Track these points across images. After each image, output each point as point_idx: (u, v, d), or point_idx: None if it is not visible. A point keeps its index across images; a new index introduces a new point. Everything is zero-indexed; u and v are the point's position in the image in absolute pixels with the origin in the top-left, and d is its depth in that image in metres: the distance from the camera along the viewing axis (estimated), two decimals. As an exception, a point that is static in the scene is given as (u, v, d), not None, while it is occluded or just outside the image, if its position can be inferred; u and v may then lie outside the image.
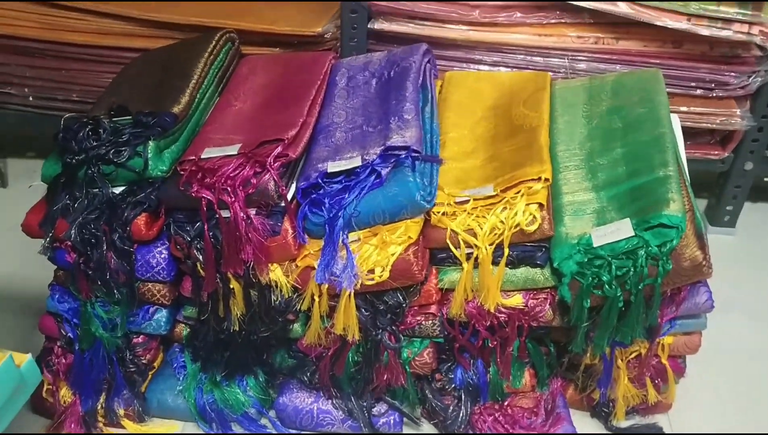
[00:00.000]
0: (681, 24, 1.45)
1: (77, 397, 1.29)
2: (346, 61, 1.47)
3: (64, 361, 1.29)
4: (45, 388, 1.30)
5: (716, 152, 1.68)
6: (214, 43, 1.41)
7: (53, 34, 1.67)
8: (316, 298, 1.16)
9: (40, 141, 2.02)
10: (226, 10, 1.65)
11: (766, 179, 1.76)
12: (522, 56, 1.58)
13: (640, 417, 1.34)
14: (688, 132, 1.65)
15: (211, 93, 1.37)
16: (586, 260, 1.10)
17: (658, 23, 1.45)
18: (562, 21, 1.53)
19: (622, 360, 1.24)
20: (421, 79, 1.35)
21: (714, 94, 1.57)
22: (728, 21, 1.44)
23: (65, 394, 1.30)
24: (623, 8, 1.45)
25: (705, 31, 1.45)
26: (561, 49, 1.56)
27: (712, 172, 1.76)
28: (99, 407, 1.29)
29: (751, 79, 1.54)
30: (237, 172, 1.13)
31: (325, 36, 1.60)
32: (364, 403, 1.28)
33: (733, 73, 1.54)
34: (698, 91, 1.58)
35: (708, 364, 1.41)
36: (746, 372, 1.46)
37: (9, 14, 1.67)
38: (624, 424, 1.32)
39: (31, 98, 1.76)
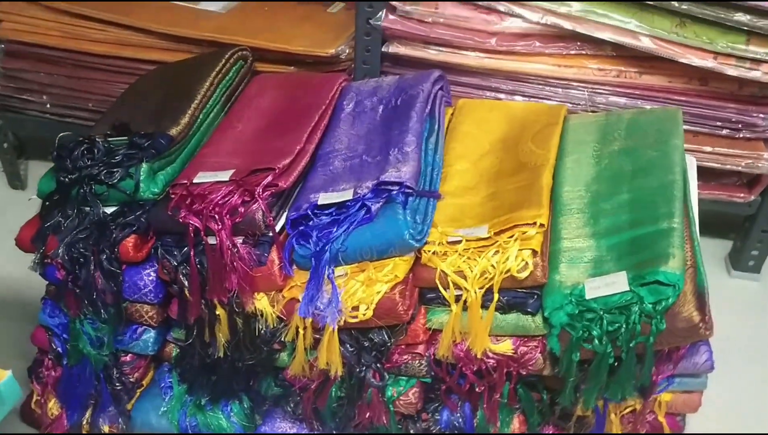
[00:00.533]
0: (707, 62, 1.38)
1: (64, 410, 1.30)
2: (356, 84, 1.44)
3: (53, 373, 1.30)
4: (34, 399, 1.32)
5: (742, 195, 1.60)
6: (223, 61, 1.40)
7: (74, 44, 1.69)
8: (301, 331, 1.13)
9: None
10: (243, 26, 1.64)
11: (795, 224, 1.67)
12: (540, 86, 1.54)
13: (636, 473, 1.28)
14: (712, 172, 1.58)
15: (216, 112, 1.37)
16: (577, 312, 1.05)
17: (683, 60, 1.38)
18: (583, 52, 1.47)
19: (615, 414, 1.18)
20: (429, 107, 1.32)
21: (741, 136, 1.50)
22: (758, 61, 1.37)
23: (53, 406, 1.31)
24: (646, 43, 1.39)
25: (732, 71, 1.38)
26: (581, 81, 1.51)
27: (738, 214, 1.68)
28: (84, 422, 1.30)
29: (780, 122, 1.47)
30: (225, 199, 1.12)
31: (340, 57, 1.58)
32: (347, 438, 1.26)
33: (762, 115, 1.47)
34: (724, 132, 1.51)
35: (718, 417, 1.34)
36: (761, 425, 1.39)
37: (31, 22, 1.69)
38: (619, 479, 1.27)
39: (49, 105, 1.78)
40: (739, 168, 1.52)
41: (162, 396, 1.31)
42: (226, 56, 1.42)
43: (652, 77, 1.49)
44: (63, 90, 1.75)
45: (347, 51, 1.59)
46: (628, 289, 1.03)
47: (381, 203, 1.12)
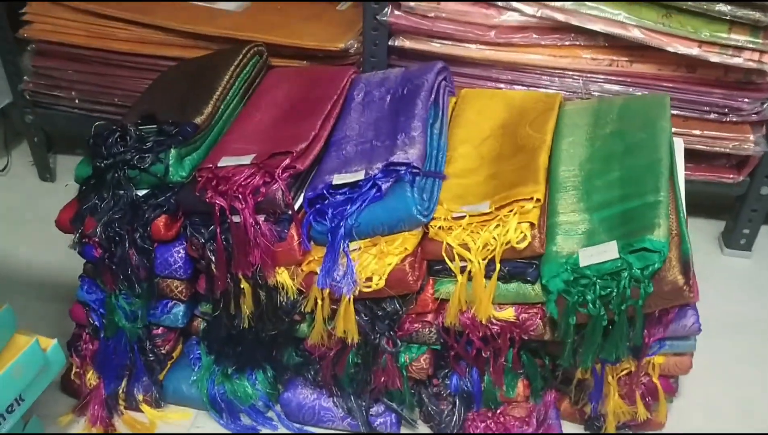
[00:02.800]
0: (692, 50, 1.47)
1: (101, 380, 1.39)
2: (365, 76, 1.54)
3: (91, 347, 1.39)
4: (74, 371, 1.41)
5: (731, 176, 1.69)
6: (241, 56, 1.50)
7: (99, 42, 1.79)
8: (319, 302, 1.23)
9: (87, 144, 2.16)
10: (258, 24, 1.74)
11: (783, 203, 1.76)
12: (537, 75, 1.63)
13: (632, 433, 1.37)
14: (702, 155, 1.66)
15: (235, 104, 1.46)
16: (572, 279, 1.14)
17: (670, 49, 1.47)
18: (577, 43, 1.56)
19: (612, 376, 1.27)
20: (433, 96, 1.41)
21: (728, 119, 1.59)
22: (739, 48, 1.46)
23: (91, 377, 1.40)
24: (635, 33, 1.48)
25: (716, 58, 1.47)
26: (576, 70, 1.60)
27: (730, 195, 1.77)
28: (120, 391, 1.40)
29: (765, 106, 1.56)
30: (248, 181, 1.22)
31: (350, 51, 1.68)
32: (363, 403, 1.35)
33: (746, 99, 1.56)
34: (712, 116, 1.60)
35: (712, 385, 1.43)
36: (750, 395, 1.47)
37: (59, 23, 1.79)
38: (615, 439, 1.36)
39: (77, 101, 1.88)
40: (727, 150, 1.60)
41: (191, 367, 1.41)
42: (243, 51, 1.51)
43: (643, 65, 1.58)
44: (90, 86, 1.84)
45: (356, 45, 1.69)
46: (618, 256, 1.12)
47: (390, 182, 1.22)
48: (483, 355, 1.28)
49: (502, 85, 1.65)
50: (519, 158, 1.31)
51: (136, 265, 1.27)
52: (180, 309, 1.35)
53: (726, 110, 1.58)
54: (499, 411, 1.35)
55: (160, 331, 1.39)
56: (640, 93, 1.57)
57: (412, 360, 1.30)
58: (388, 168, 1.23)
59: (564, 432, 1.35)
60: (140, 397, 1.40)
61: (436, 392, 1.35)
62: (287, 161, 1.23)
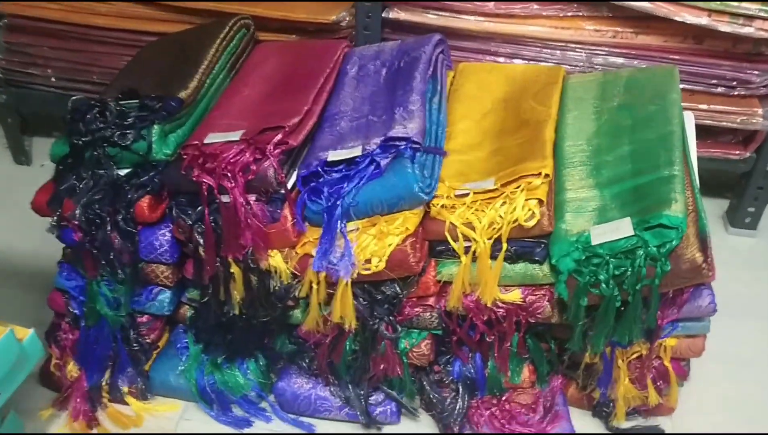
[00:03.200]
0: (701, 20, 1.41)
1: (83, 372, 1.32)
2: (358, 50, 1.47)
3: (71, 336, 1.32)
4: (53, 362, 1.34)
5: (737, 152, 1.64)
6: (227, 29, 1.42)
7: (77, 17, 1.70)
8: (314, 286, 1.16)
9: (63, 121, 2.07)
10: (245, -4, 1.66)
11: (790, 181, 1.71)
12: (538, 49, 1.56)
13: (642, 418, 1.32)
14: (709, 130, 1.61)
15: (222, 79, 1.39)
16: (584, 258, 1.08)
17: (678, 18, 1.41)
18: (580, 14, 1.50)
19: (622, 360, 1.22)
20: (431, 69, 1.34)
21: (735, 93, 1.54)
22: (750, 18, 1.40)
23: (72, 368, 1.33)
24: (642, 2, 1.42)
25: (726, 28, 1.41)
26: (578, 43, 1.54)
27: (734, 173, 1.72)
28: (104, 383, 1.32)
29: (774, 78, 1.50)
30: (237, 157, 1.14)
31: (341, 24, 1.60)
32: (362, 392, 1.29)
33: (756, 72, 1.50)
34: (719, 89, 1.54)
35: (718, 367, 1.38)
36: (758, 377, 1.43)
37: (35, -5, 1.71)
38: (625, 425, 1.30)
39: (53, 79, 1.79)
40: (734, 125, 1.55)
41: (179, 356, 1.34)
42: (230, 24, 1.44)
43: (648, 37, 1.52)
44: (67, 63, 1.76)
45: (348, 18, 1.61)
46: (632, 233, 1.06)
47: (389, 158, 1.15)
48: (487, 339, 1.22)
49: (501, 59, 1.58)
50: (523, 133, 1.24)
51: (119, 249, 1.19)
52: (166, 295, 1.28)
53: (734, 83, 1.52)
54: (504, 398, 1.29)
55: (144, 319, 1.32)
56: (646, 66, 1.51)
57: (412, 346, 1.24)
58: (386, 143, 1.16)
59: (571, 418, 1.28)
60: (125, 389, 1.33)
61: (438, 379, 1.30)
62: (279, 136, 1.15)
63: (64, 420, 1.31)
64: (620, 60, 1.53)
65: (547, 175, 1.11)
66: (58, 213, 1.20)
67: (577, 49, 1.54)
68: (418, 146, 1.16)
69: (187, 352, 1.34)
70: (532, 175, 1.12)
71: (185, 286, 1.30)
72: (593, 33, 1.52)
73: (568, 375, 1.31)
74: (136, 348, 1.32)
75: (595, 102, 1.33)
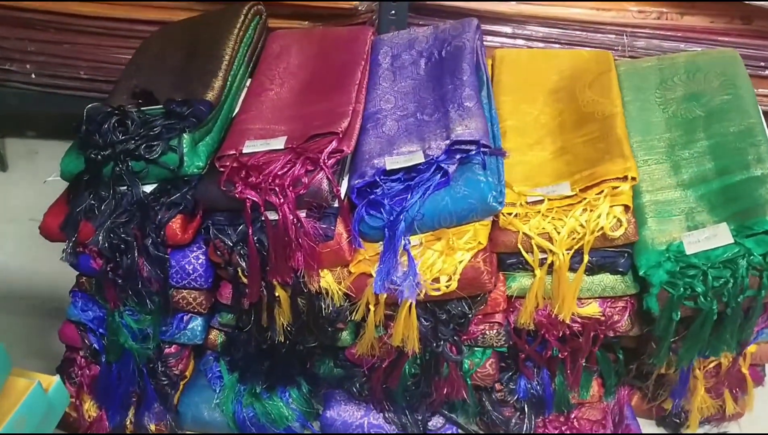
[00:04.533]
0: (762, -2, 1.33)
1: (103, 411, 1.19)
2: (387, 37, 1.34)
3: (88, 372, 1.21)
4: (67, 402, 1.19)
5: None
6: (242, 17, 1.28)
7: (57, 5, 1.55)
8: (372, 308, 1.05)
9: (42, 120, 1.88)
10: (251, -21, 1.50)
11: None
12: (577, 32, 1.46)
13: (710, 426, 1.25)
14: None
15: (242, 74, 1.25)
16: (677, 269, 1.00)
17: (735, -5, 1.33)
18: (624, -7, 1.40)
19: (699, 370, 1.15)
20: (475, 59, 1.22)
21: (786, 76, 1.47)
22: (811, -5, 1.33)
23: (90, 408, 1.21)
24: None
25: (786, 6, 1.33)
26: (620, 25, 1.45)
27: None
28: (128, 422, 1.20)
29: (827, 60, 1.44)
30: (286, 170, 1.01)
31: (360, 8, 1.47)
32: (420, 417, 1.19)
33: (808, 53, 1.44)
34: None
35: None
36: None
37: (8, -18, 1.52)
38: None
39: (33, 75, 1.63)
40: (786, 110, 1.48)
41: (212, 387, 1.22)
42: (244, 11, 1.29)
43: (694, 18, 1.44)
44: (49, 57, 1.61)
45: (367, 3, 1.47)
46: (732, 241, 0.98)
47: (456, 164, 1.03)
48: (560, 356, 1.13)
49: (536, 44, 1.47)
50: (590, 128, 1.14)
51: (148, 277, 1.05)
52: (198, 323, 1.17)
53: (785, 66, 1.45)
54: (572, 415, 1.21)
55: (173, 349, 1.20)
56: (691, 49, 1.42)
57: (477, 366, 1.14)
58: (452, 147, 1.04)
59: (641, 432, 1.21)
60: (152, 427, 1.22)
61: (501, 398, 1.20)
62: (334, 144, 1.02)
63: (84, 465, 1.18)
64: (665, 43, 1.45)
65: (633, 178, 1.01)
66: (74, 238, 1.04)
67: (617, 32, 1.44)
68: (486, 149, 1.04)
69: (220, 382, 1.22)
70: (616, 178, 1.02)
71: (216, 309, 1.17)
72: (636, 14, 1.43)
73: (634, 385, 1.23)
74: (164, 381, 1.19)
75: (657, 91, 1.23)
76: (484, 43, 1.44)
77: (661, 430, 1.26)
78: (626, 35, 1.43)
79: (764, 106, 1.45)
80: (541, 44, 1.46)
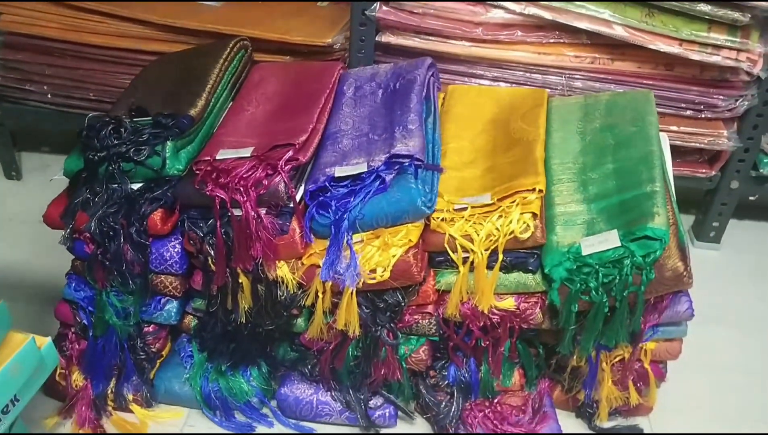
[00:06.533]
0: (673, 48, 1.52)
1: (88, 381, 1.35)
2: (354, 71, 1.54)
3: (77, 346, 1.36)
4: (58, 372, 1.36)
5: (704, 170, 1.75)
6: (228, 50, 1.48)
7: (74, 35, 1.74)
8: (320, 295, 1.22)
9: (54, 136, 2.09)
10: (241, 19, 1.72)
11: (751, 198, 1.83)
12: (521, 72, 1.66)
13: (622, 418, 1.41)
14: (677, 150, 1.72)
15: (224, 97, 1.44)
16: (575, 267, 1.17)
17: (651, 47, 1.52)
18: (561, 41, 1.60)
19: (606, 363, 1.30)
20: (425, 91, 1.42)
21: (703, 116, 1.65)
22: (718, 47, 1.52)
23: (77, 378, 1.35)
24: (619, 31, 1.53)
25: (696, 56, 1.52)
26: (559, 68, 1.64)
27: (700, 190, 1.84)
28: (109, 392, 1.36)
29: (738, 103, 1.62)
30: (250, 173, 1.20)
31: (335, 46, 1.68)
32: (361, 396, 1.35)
33: (721, 97, 1.62)
34: (688, 112, 1.66)
35: (689, 371, 1.47)
36: (724, 379, 1.53)
37: (32, 14, 1.74)
38: (606, 424, 1.39)
39: (49, 96, 1.82)
40: (702, 145, 1.67)
41: (183, 364, 1.38)
42: (230, 45, 1.49)
43: (624, 63, 1.62)
44: (64, 80, 1.79)
45: (341, 41, 1.69)
46: (620, 244, 1.15)
47: (394, 174, 1.22)
48: (482, 345, 1.30)
49: (486, 82, 1.67)
50: (515, 151, 1.33)
51: (131, 261, 1.24)
52: (173, 305, 1.33)
53: (701, 107, 1.64)
54: (496, 400, 1.36)
55: (151, 328, 1.36)
56: (621, 90, 1.61)
57: (411, 351, 1.30)
58: (391, 160, 1.23)
59: (558, 419, 1.37)
60: (130, 396, 1.37)
61: (434, 383, 1.36)
62: (290, 153, 1.22)
63: (69, 428, 1.34)
64: (598, 84, 1.63)
65: (540, 191, 1.20)
66: (71, 226, 1.24)
67: (557, 74, 1.64)
68: (420, 163, 1.23)
69: (191, 361, 1.38)
70: (527, 190, 1.21)
71: (191, 296, 1.34)
72: (573, 59, 1.62)
73: (554, 378, 1.39)
74: (142, 357, 1.35)
75: (579, 123, 1.42)
76: (443, 79, 1.67)
77: (579, 421, 1.41)
78: (565, 77, 1.63)
79: (684, 141, 1.66)
80: (489, 82, 1.66)
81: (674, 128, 1.66)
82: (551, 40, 1.60)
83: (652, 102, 1.42)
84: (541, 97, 1.48)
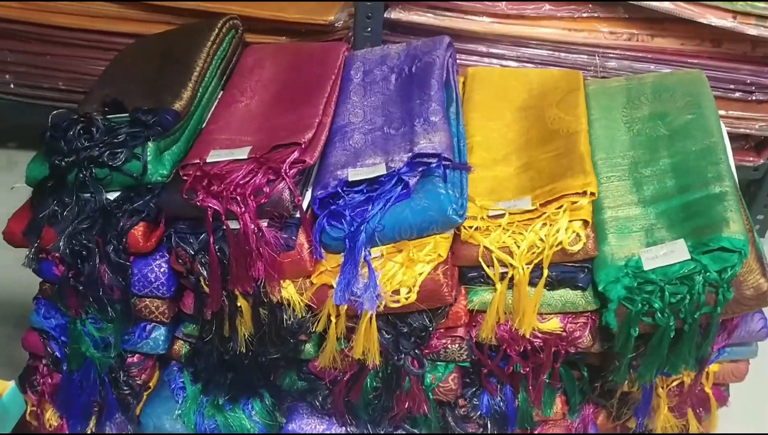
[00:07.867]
0: (726, 22, 1.36)
1: (64, 420, 1.20)
2: (360, 53, 1.35)
3: (50, 380, 1.20)
4: (28, 410, 1.21)
5: (751, 159, 1.60)
6: (216, 30, 1.29)
7: (38, 16, 1.57)
8: (333, 319, 1.05)
9: (22, 130, 1.89)
10: (230, -6, 1.53)
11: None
12: (549, 52, 1.49)
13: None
14: (721, 136, 1.56)
15: (213, 86, 1.26)
16: (635, 285, 1.00)
17: (702, 20, 1.36)
18: (595, 15, 1.44)
19: (662, 388, 1.15)
20: (445, 76, 1.24)
21: (753, 98, 1.50)
22: (777, 20, 1.35)
23: (51, 417, 1.21)
24: (665, 3, 1.35)
25: (752, 30, 1.36)
26: (591, 45, 1.47)
27: (743, 180, 1.67)
28: (88, 432, 1.20)
29: (794, 83, 1.46)
30: (248, 179, 1.02)
31: (337, 25, 1.50)
32: (382, 432, 1.19)
33: (775, 77, 1.46)
34: (737, 94, 1.50)
35: (753, 394, 1.32)
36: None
37: (-12, -7, 1.55)
38: (658, 453, 1.24)
39: (12, 85, 1.66)
40: (753, 131, 1.51)
41: (174, 398, 1.22)
42: (219, 25, 1.31)
43: (665, 40, 1.46)
44: (28, 68, 1.63)
45: (344, 19, 1.50)
46: (689, 257, 0.98)
47: (418, 177, 1.04)
48: (521, 371, 1.13)
49: (509, 63, 1.50)
50: (554, 145, 1.15)
51: (109, 285, 1.06)
52: (161, 332, 1.17)
53: (753, 88, 1.49)
54: (535, 432, 1.20)
55: (135, 358, 1.19)
56: (661, 70, 1.44)
57: (439, 380, 1.14)
58: (414, 160, 1.05)
59: (604, 450, 1.21)
60: (113, 437, 1.19)
61: (464, 414, 1.20)
62: (295, 154, 1.03)
63: (43, 476, 1.18)
64: (635, 64, 1.47)
65: (593, 194, 1.02)
66: (36, 244, 1.05)
67: (589, 52, 1.46)
68: (448, 163, 1.05)
69: (183, 393, 1.22)
70: (576, 193, 1.03)
71: (180, 320, 1.17)
72: (608, 35, 1.45)
73: (599, 403, 1.23)
74: (126, 391, 1.19)
75: (624, 110, 1.24)
76: (459, 61, 1.48)
77: (627, 450, 1.26)
78: (598, 56, 1.45)
79: (733, 127, 1.48)
80: (514, 63, 1.48)
81: (722, 112, 1.50)
82: (584, 15, 1.44)
83: (707, 84, 1.24)
84: (577, 79, 1.30)
